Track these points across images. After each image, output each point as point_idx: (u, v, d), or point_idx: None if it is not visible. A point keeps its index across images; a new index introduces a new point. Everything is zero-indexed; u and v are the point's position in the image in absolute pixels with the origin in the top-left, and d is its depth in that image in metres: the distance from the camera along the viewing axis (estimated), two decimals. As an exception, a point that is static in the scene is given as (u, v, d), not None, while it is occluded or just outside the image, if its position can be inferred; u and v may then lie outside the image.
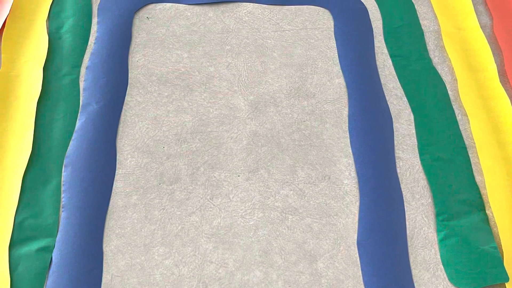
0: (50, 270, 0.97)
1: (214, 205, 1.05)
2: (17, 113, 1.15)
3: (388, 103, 1.19)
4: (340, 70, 1.24)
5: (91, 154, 1.09)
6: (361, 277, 0.98)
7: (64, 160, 1.09)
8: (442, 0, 1.38)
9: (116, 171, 1.09)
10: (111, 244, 1.00)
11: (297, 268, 0.99)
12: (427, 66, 1.25)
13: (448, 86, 1.23)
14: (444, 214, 1.05)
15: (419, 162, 1.12)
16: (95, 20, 1.31)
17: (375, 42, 1.30)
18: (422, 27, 1.33)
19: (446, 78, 1.24)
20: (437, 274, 0.99)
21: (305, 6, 1.35)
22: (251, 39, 1.29)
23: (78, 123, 1.14)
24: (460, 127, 1.17)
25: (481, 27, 1.34)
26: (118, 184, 1.07)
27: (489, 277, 0.98)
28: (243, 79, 1.22)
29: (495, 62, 1.26)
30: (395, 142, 1.14)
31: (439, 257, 1.01)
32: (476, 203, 1.07)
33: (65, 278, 0.96)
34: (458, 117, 1.18)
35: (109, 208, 1.04)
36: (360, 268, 0.99)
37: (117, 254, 0.99)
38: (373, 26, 1.33)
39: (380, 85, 1.22)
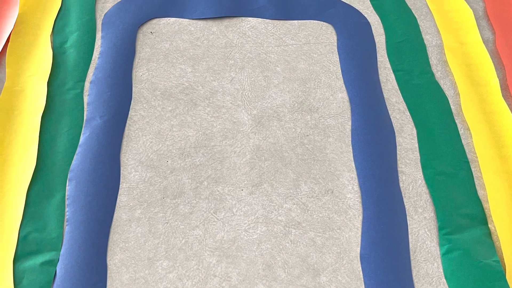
0: (54, 283, 0.97)
1: (217, 219, 1.05)
2: (22, 128, 1.15)
3: (391, 117, 1.20)
4: (343, 85, 1.24)
5: (95, 168, 1.09)
6: (364, 291, 0.98)
7: (68, 174, 1.09)
8: (445, 14, 1.39)
9: (120, 185, 1.09)
10: (115, 258, 1.00)
11: (300, 282, 0.99)
12: (430, 81, 1.26)
13: (450, 101, 1.23)
14: (447, 228, 1.05)
15: (422, 176, 1.12)
16: (99, 34, 1.32)
17: (378, 57, 1.30)
18: (425, 42, 1.34)
19: (449, 93, 1.25)
20: (440, 288, 0.99)
21: (308, 21, 1.36)
22: (254, 53, 1.29)
23: (82, 138, 1.14)
24: (463, 141, 1.17)
25: (484, 42, 1.35)
26: (122, 198, 1.07)
27: (492, 291, 0.98)
28: (246, 94, 1.22)
29: (498, 77, 1.27)
30: (398, 156, 1.15)
31: (441, 270, 1.01)
32: (478, 217, 1.07)
33: (69, 292, 0.96)
34: (461, 131, 1.18)
35: (113, 222, 1.04)
36: (363, 282, 0.99)
37: (121, 267, 0.99)
38: (376, 41, 1.33)
39: (383, 100, 1.22)
